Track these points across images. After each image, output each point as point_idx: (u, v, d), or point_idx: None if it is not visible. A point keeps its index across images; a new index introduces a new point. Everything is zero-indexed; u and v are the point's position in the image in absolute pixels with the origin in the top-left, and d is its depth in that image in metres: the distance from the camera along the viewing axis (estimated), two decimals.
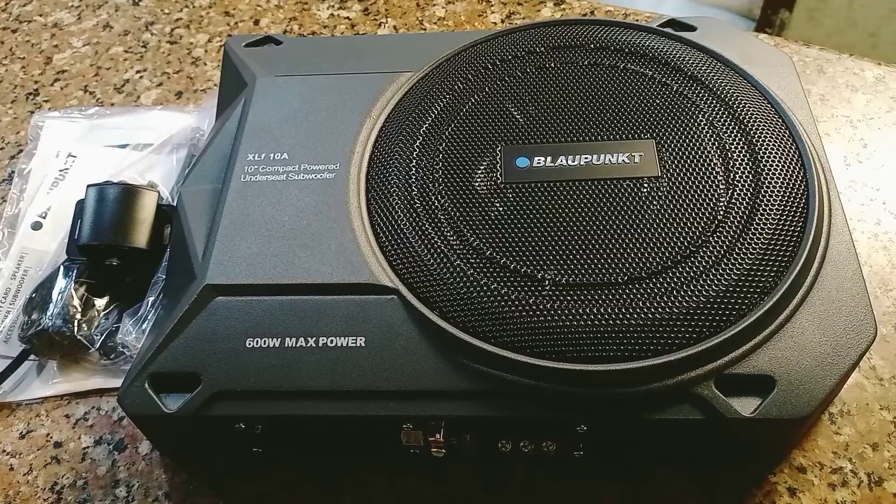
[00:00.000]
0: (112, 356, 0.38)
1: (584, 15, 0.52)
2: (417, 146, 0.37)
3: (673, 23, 0.43)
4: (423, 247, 0.33)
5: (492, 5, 0.53)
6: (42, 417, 0.37)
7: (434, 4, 0.53)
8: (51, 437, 0.36)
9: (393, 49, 0.43)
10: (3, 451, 0.36)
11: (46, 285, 0.39)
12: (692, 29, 0.42)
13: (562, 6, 0.52)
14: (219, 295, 0.33)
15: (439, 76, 0.40)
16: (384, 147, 0.37)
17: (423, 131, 0.37)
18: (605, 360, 0.30)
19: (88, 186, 0.40)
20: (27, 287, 0.41)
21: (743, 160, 0.35)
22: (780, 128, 0.36)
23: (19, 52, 0.55)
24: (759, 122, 0.36)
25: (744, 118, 0.36)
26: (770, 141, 0.35)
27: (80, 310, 0.38)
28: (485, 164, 0.36)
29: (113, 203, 0.39)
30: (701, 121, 0.36)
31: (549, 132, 0.37)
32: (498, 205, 0.34)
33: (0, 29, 0.56)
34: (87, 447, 0.36)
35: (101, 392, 0.38)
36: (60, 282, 0.39)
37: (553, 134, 0.37)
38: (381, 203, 0.35)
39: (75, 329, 0.37)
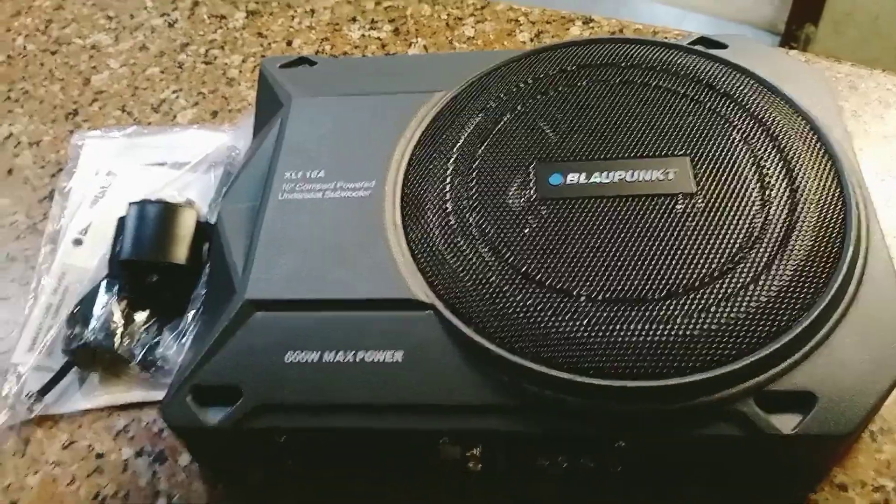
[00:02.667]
0: (152, 370, 0.39)
1: (613, 33, 0.52)
2: (451, 163, 0.37)
3: (703, 40, 0.43)
4: (458, 263, 0.34)
5: (520, 25, 0.54)
6: (84, 429, 0.38)
7: (463, 24, 0.54)
8: (93, 449, 0.37)
9: (425, 69, 0.44)
10: (48, 461, 0.37)
11: (88, 300, 0.40)
12: (723, 46, 0.42)
13: (590, 25, 0.53)
14: (258, 310, 0.34)
15: (471, 95, 0.40)
16: (418, 165, 0.38)
17: (457, 149, 0.38)
18: (645, 377, 0.30)
19: (129, 204, 0.41)
20: (69, 302, 0.42)
21: (779, 177, 0.35)
22: (816, 144, 0.36)
23: (58, 74, 0.56)
24: (795, 138, 0.36)
25: (779, 135, 0.36)
26: (806, 157, 0.35)
27: (121, 324, 0.39)
28: (518, 180, 0.36)
29: (153, 220, 0.40)
30: (735, 138, 0.36)
31: (582, 149, 0.37)
32: (532, 221, 0.35)
33: (40, 51, 0.58)
34: (128, 458, 0.37)
35: (141, 405, 0.38)
36: (102, 297, 0.39)
37: (586, 151, 0.37)
38: (417, 220, 0.36)
39: (116, 343, 0.38)
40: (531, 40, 0.53)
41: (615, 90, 0.39)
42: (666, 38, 0.52)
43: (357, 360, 0.32)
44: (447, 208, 0.36)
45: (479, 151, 0.38)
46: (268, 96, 0.44)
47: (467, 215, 0.35)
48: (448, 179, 0.37)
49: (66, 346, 0.39)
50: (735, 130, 0.37)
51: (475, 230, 0.35)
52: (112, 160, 0.48)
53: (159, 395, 0.38)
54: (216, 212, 0.44)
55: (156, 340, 0.39)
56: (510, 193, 0.36)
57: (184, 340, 0.38)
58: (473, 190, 0.36)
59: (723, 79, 0.39)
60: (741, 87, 0.39)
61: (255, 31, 0.56)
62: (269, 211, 0.37)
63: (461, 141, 0.38)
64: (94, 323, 0.39)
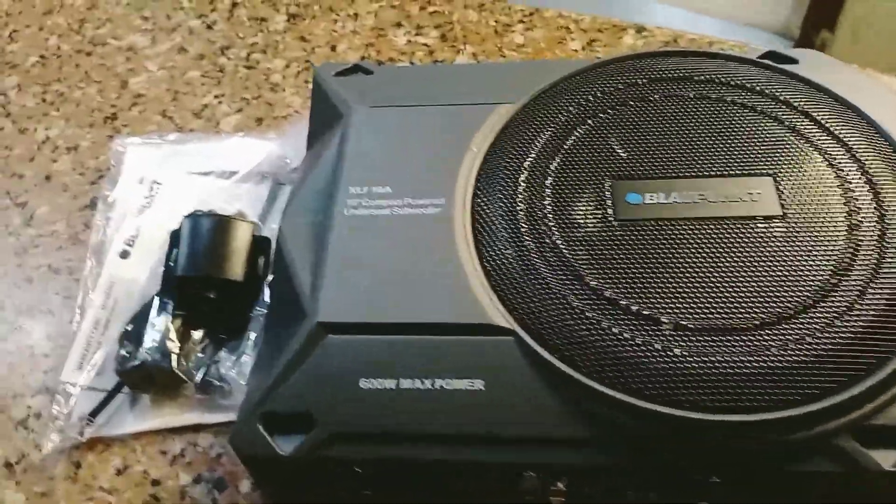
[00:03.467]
0: (210, 391, 0.37)
1: (667, 43, 0.51)
2: (523, 181, 0.36)
3: (772, 55, 0.42)
4: (537, 287, 0.32)
5: (571, 32, 0.52)
6: (138, 453, 0.37)
7: (512, 31, 0.53)
8: (148, 474, 0.36)
9: (486, 79, 0.42)
10: (101, 487, 0.36)
11: (141, 317, 0.38)
12: (794, 61, 0.41)
13: (643, 34, 0.52)
14: (330, 333, 0.32)
15: (539, 108, 0.39)
16: (488, 182, 0.37)
17: (528, 165, 0.37)
18: (740, 410, 0.29)
19: (184, 217, 0.39)
20: (117, 317, 0.40)
21: (866, 197, 0.34)
22: None
23: (95, 76, 0.55)
24: (878, 157, 0.35)
25: (861, 154, 0.35)
26: (891, 177, 0.34)
27: (177, 343, 0.37)
28: (594, 199, 0.35)
29: (209, 234, 0.39)
30: (817, 157, 0.35)
31: (657, 167, 0.36)
32: (612, 243, 0.33)
33: (74, 51, 0.57)
34: (186, 485, 0.35)
35: (196, 427, 0.37)
36: (156, 314, 0.38)
37: (662, 169, 0.36)
38: (490, 240, 0.34)
39: (174, 363, 0.37)
40: (583, 48, 0.51)
41: (689, 105, 0.38)
42: (721, 49, 0.51)
43: (436, 387, 0.31)
44: (522, 229, 0.34)
45: (552, 168, 0.36)
46: (324, 105, 0.42)
47: (544, 236, 0.34)
48: (521, 198, 0.35)
49: (120, 365, 0.37)
50: (816, 149, 0.36)
51: (553, 252, 0.33)
52: (156, 168, 0.46)
53: (216, 417, 0.37)
54: (270, 225, 0.43)
55: (212, 360, 0.37)
56: (587, 213, 0.35)
57: (243, 361, 0.37)
58: (548, 209, 0.35)
59: (799, 96, 0.38)
60: (819, 105, 0.38)
61: (298, 35, 0.55)
62: (335, 228, 0.36)
63: (532, 157, 0.37)
64: (148, 342, 0.37)
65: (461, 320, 0.32)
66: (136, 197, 0.45)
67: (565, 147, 0.37)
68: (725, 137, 0.37)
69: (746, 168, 0.35)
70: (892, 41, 1.40)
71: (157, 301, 0.39)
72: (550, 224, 0.34)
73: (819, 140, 0.36)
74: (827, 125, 0.37)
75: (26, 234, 0.46)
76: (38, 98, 0.54)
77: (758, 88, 0.38)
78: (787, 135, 0.36)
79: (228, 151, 0.47)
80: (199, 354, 0.38)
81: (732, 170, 0.35)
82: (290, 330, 0.33)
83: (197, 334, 0.38)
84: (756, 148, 0.36)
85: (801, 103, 0.38)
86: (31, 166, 0.49)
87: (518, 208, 0.35)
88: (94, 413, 0.37)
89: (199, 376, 0.37)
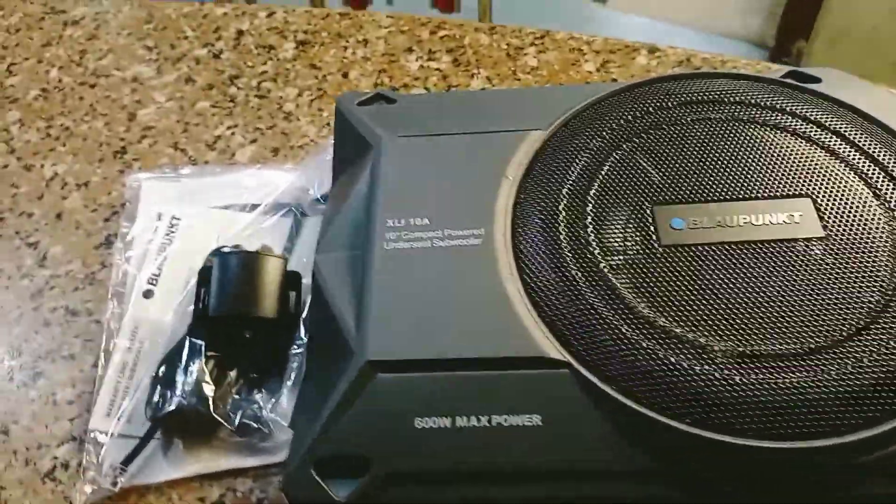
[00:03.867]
0: (247, 434, 0.36)
1: (680, 63, 0.51)
2: (562, 209, 0.36)
3: (795, 74, 0.42)
4: (589, 318, 0.32)
5: (584, 54, 0.52)
6: (175, 501, 0.35)
7: (525, 54, 0.53)
8: None
9: (512, 105, 0.42)
10: None
11: (173, 359, 0.37)
12: (817, 80, 0.41)
13: (657, 54, 0.52)
14: (380, 372, 0.32)
15: (571, 134, 0.39)
16: (527, 211, 0.36)
17: (566, 193, 0.36)
18: (802, 437, 0.28)
19: (212, 255, 0.38)
20: (144, 360, 0.39)
21: None
22: None
23: (100, 108, 0.53)
24: None
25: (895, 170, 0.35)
26: None
27: (213, 386, 0.36)
28: (637, 226, 0.35)
29: (239, 272, 0.38)
30: (853, 176, 0.35)
31: (697, 191, 0.36)
32: (660, 269, 0.33)
33: (77, 84, 0.55)
34: None
35: (234, 472, 0.36)
36: (189, 355, 0.37)
37: (702, 193, 0.36)
38: (535, 271, 0.34)
39: (211, 407, 0.36)
40: (597, 70, 0.51)
41: (721, 128, 0.38)
42: (734, 68, 0.51)
43: (493, 424, 0.30)
44: (567, 258, 0.34)
45: (591, 195, 0.36)
46: (349, 136, 0.42)
47: (591, 265, 0.33)
48: (562, 227, 0.35)
49: (154, 411, 0.36)
50: (851, 169, 0.36)
51: (602, 281, 0.33)
52: (174, 203, 0.45)
53: (255, 461, 0.36)
54: (297, 258, 0.42)
55: (250, 402, 0.36)
56: (632, 240, 0.34)
57: (281, 401, 0.36)
58: (591, 237, 0.35)
59: (829, 115, 0.38)
60: (849, 123, 0.38)
61: (308, 63, 0.54)
62: (376, 262, 0.35)
63: (569, 184, 0.37)
64: (182, 385, 0.36)
65: (514, 354, 0.32)
66: (156, 234, 0.44)
67: (602, 173, 0.37)
68: (761, 159, 0.37)
69: (785, 190, 0.35)
70: (870, 50, 1.43)
71: (189, 342, 0.37)
72: (595, 252, 0.34)
73: (853, 158, 0.36)
74: (859, 143, 0.37)
75: (40, 276, 0.44)
76: (42, 133, 0.52)
77: (788, 109, 0.38)
78: (821, 155, 0.37)
79: (247, 183, 0.46)
80: (235, 396, 0.37)
81: (771, 192, 0.35)
82: (337, 369, 0.33)
83: (232, 374, 0.37)
84: (792, 169, 0.36)
85: (832, 122, 0.38)
86: (41, 204, 0.48)
87: (561, 237, 0.35)
88: (127, 461, 0.36)
89: (237, 419, 0.36)
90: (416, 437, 0.30)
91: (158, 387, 0.37)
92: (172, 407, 0.36)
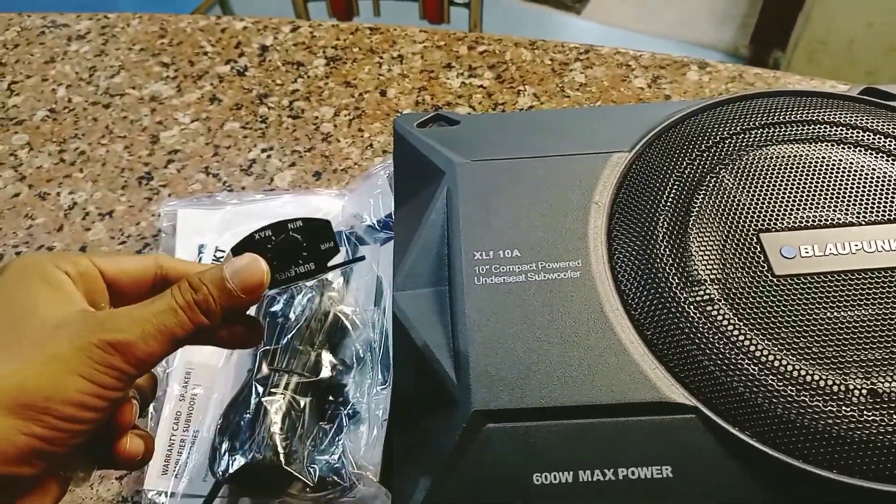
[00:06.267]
0: (324, 488, 0.33)
1: (733, 78, 0.50)
2: (662, 239, 0.33)
3: (871, 91, 0.41)
4: (711, 357, 0.30)
5: (633, 70, 0.50)
6: None
7: (571, 70, 0.51)
8: None
9: (587, 125, 0.40)
10: None
11: (237, 407, 0.34)
12: (894, 97, 0.40)
13: (707, 69, 0.50)
14: (490, 422, 0.29)
15: (657, 158, 0.37)
16: (625, 241, 0.34)
17: (664, 221, 0.34)
18: None
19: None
20: (199, 409, 0.36)
21: None
22: None
23: (118, 130, 0.49)
24: None
25: None
26: None
27: (285, 435, 0.33)
28: (746, 255, 0.33)
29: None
30: None
31: (800, 217, 0.34)
32: (780, 302, 0.31)
33: (90, 104, 0.51)
34: None
35: None
36: (254, 401, 0.34)
37: (806, 219, 0.34)
38: (644, 306, 0.32)
39: (284, 460, 0.32)
40: (648, 85, 0.50)
41: (813, 149, 0.36)
42: (786, 83, 0.50)
43: (619, 478, 0.28)
44: (675, 293, 0.32)
45: (691, 223, 0.34)
46: (412, 160, 0.39)
47: (705, 301, 0.31)
48: (665, 258, 0.33)
49: (219, 466, 0.33)
50: None
51: (717, 316, 0.31)
52: (216, 234, 0.42)
53: None
54: (352, 285, 0.39)
55: (330, 454, 0.33)
56: (742, 270, 0.32)
57: (363, 451, 0.33)
58: (699, 269, 0.32)
59: None
60: None
61: (342, 80, 0.51)
62: (467, 299, 0.32)
63: (666, 212, 0.34)
64: (250, 436, 0.33)
65: (636, 399, 0.29)
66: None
67: (699, 200, 0.35)
68: (862, 182, 0.35)
69: (891, 215, 0.34)
70: (848, 61, 1.46)
71: (254, 386, 0.34)
72: (706, 285, 0.32)
73: None
74: None
75: None
76: (55, 158, 0.48)
77: (881, 129, 0.37)
78: None
79: (292, 210, 0.43)
80: (310, 447, 0.33)
81: (879, 216, 0.34)
82: (437, 419, 0.30)
83: (305, 421, 0.34)
84: (891, 192, 0.34)
85: None
86: (62, 237, 0.44)
87: (665, 270, 0.32)
88: None
89: (315, 473, 0.32)
90: (535, 494, 0.28)
91: (222, 438, 0.33)
92: (241, 461, 0.32)
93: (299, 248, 0.30)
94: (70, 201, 0.46)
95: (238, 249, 0.29)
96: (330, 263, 0.31)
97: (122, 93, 0.52)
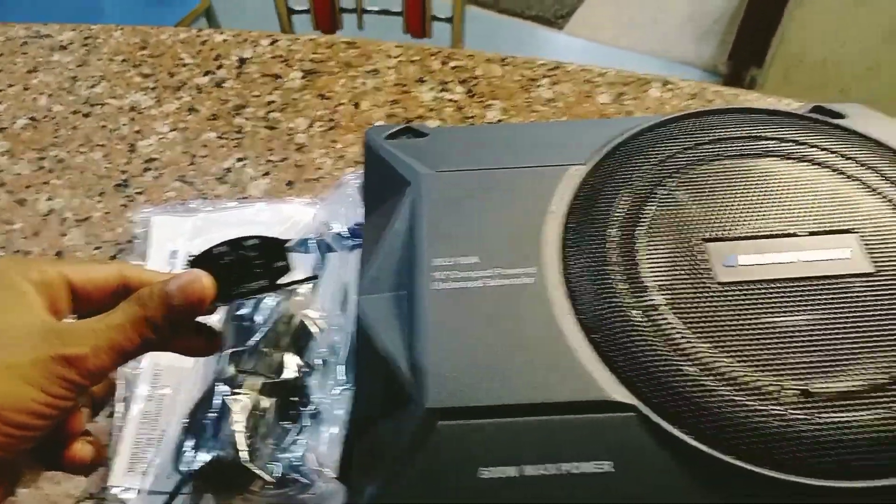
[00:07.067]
0: (285, 485, 0.34)
1: (693, 95, 0.52)
2: (613, 247, 0.35)
3: (819, 109, 0.43)
4: (653, 358, 0.31)
5: (598, 86, 0.52)
6: None
7: (539, 86, 0.53)
8: None
9: (548, 139, 0.41)
10: None
11: (202, 407, 0.35)
12: (841, 116, 0.42)
13: (669, 86, 0.52)
14: (442, 419, 0.30)
15: (612, 171, 0.38)
16: (577, 250, 0.35)
17: (615, 231, 0.36)
18: (881, 475, 0.28)
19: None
20: (167, 409, 0.37)
21: None
22: None
23: (97, 139, 0.51)
24: None
25: None
26: None
27: (247, 433, 0.34)
28: (692, 263, 0.34)
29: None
30: (893, 211, 0.36)
31: (743, 228, 0.36)
32: (721, 307, 0.33)
33: (70, 113, 0.53)
34: None
35: None
36: (219, 401, 0.35)
37: (748, 230, 0.36)
38: (593, 310, 0.33)
39: (246, 457, 0.34)
40: (612, 101, 0.52)
41: (758, 164, 0.38)
42: (745, 101, 0.52)
43: (562, 472, 0.29)
44: (623, 298, 0.33)
45: (640, 232, 0.36)
46: (381, 170, 0.40)
47: (650, 305, 0.33)
48: (615, 265, 0.34)
49: (184, 464, 0.34)
50: (890, 203, 0.36)
51: (662, 320, 0.32)
52: (188, 240, 0.43)
53: None
54: (322, 293, 0.40)
55: (291, 451, 0.34)
56: (687, 277, 0.34)
57: (321, 449, 0.34)
58: (646, 276, 0.34)
59: (863, 151, 0.39)
60: (882, 159, 0.38)
61: (316, 93, 0.53)
62: (427, 303, 0.34)
63: (617, 221, 0.36)
64: (214, 434, 0.34)
65: (580, 398, 0.31)
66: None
67: (648, 210, 0.36)
68: (802, 195, 0.37)
69: (830, 226, 0.36)
70: (822, 79, 1.49)
71: (216, 387, 0.35)
72: (652, 291, 0.33)
73: (891, 193, 0.37)
74: (893, 179, 0.37)
75: None
76: (34, 164, 0.49)
77: (823, 145, 0.39)
78: (861, 190, 0.37)
79: (264, 218, 0.44)
80: (272, 445, 0.34)
81: (817, 228, 0.35)
82: (392, 417, 0.31)
83: (268, 420, 0.35)
84: (834, 205, 0.36)
85: (866, 158, 0.38)
86: (38, 241, 0.45)
87: (615, 276, 0.34)
88: None
89: (276, 471, 0.34)
90: (483, 488, 0.29)
91: (187, 437, 0.34)
92: (207, 458, 0.33)
93: (253, 265, 0.31)
94: (48, 207, 0.47)
95: (195, 263, 0.30)
96: (284, 281, 0.32)
97: (103, 102, 0.53)
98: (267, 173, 0.48)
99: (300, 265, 0.42)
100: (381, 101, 0.52)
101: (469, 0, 1.95)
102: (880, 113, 0.44)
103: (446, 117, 0.51)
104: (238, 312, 0.37)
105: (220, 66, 0.55)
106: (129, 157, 0.49)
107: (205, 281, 0.29)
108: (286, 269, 0.32)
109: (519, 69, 0.54)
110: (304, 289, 0.41)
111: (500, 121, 0.50)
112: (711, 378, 0.30)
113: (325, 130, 0.50)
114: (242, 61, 0.55)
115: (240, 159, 0.49)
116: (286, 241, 0.33)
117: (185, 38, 0.57)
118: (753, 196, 0.37)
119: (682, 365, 0.31)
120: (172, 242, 0.42)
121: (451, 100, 0.52)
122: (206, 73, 0.54)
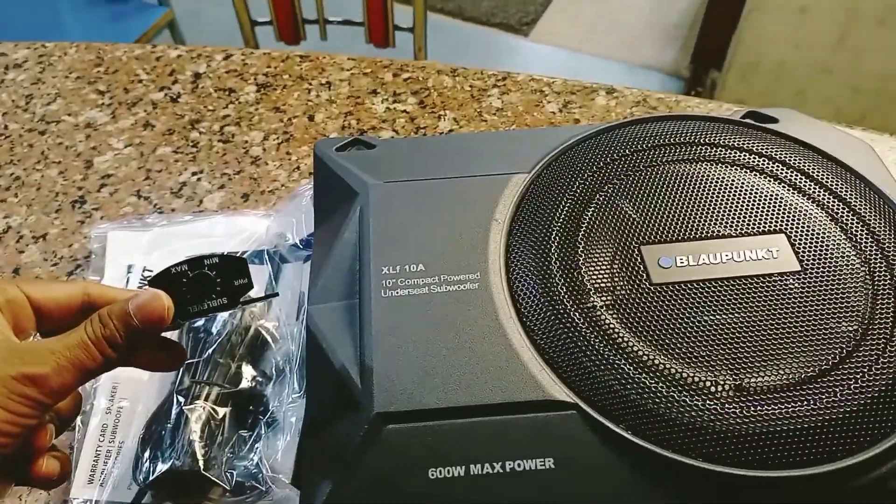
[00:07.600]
0: (241, 493, 0.35)
1: (638, 102, 0.54)
2: (554, 252, 0.37)
3: (753, 114, 0.45)
4: (591, 358, 0.33)
5: (546, 95, 0.54)
6: None
7: (488, 96, 0.54)
8: None
9: (493, 149, 0.43)
10: None
11: (160, 418, 0.36)
12: (774, 120, 0.44)
13: (614, 94, 0.54)
14: (390, 423, 0.31)
15: (554, 177, 0.40)
16: (520, 255, 0.37)
17: (555, 236, 0.37)
18: (806, 464, 0.30)
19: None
20: (125, 422, 0.37)
21: (872, 247, 0.36)
22: (891, 211, 0.38)
23: (53, 156, 0.51)
24: (872, 208, 0.38)
25: (858, 206, 0.38)
26: (888, 227, 0.37)
27: (204, 442, 0.35)
28: (628, 265, 0.36)
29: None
30: (819, 212, 0.38)
31: (678, 230, 0.37)
32: (655, 307, 0.34)
33: (26, 131, 0.53)
34: None
35: None
36: (176, 413, 0.35)
37: (683, 232, 0.37)
38: (535, 315, 0.35)
39: (203, 466, 0.34)
40: (560, 110, 0.53)
41: (694, 168, 0.40)
42: (687, 107, 0.54)
43: (507, 470, 0.30)
44: (563, 301, 0.35)
45: (579, 237, 0.37)
46: (331, 182, 0.41)
47: (588, 307, 0.34)
48: (555, 269, 0.36)
49: (143, 474, 0.34)
50: (817, 205, 0.38)
51: (600, 321, 0.34)
52: (144, 255, 0.44)
53: None
54: (276, 305, 0.41)
55: (248, 460, 0.35)
56: (623, 279, 0.35)
57: (277, 457, 0.35)
58: (585, 278, 0.35)
59: (792, 154, 0.41)
60: (810, 162, 0.40)
61: (271, 106, 0.54)
62: (374, 311, 0.35)
63: (558, 227, 0.37)
64: (172, 445, 0.35)
65: (522, 398, 0.32)
66: (127, 286, 0.42)
67: (588, 216, 0.38)
68: (734, 198, 0.39)
69: (760, 227, 0.37)
70: (774, 81, 1.53)
71: (175, 399, 0.36)
72: (590, 293, 0.35)
73: (817, 195, 0.39)
74: (821, 180, 0.39)
75: None
76: None
77: (755, 149, 0.41)
78: (789, 192, 0.39)
79: (219, 231, 0.45)
80: (229, 454, 0.35)
81: (748, 229, 0.37)
82: (343, 422, 0.32)
83: (224, 429, 0.36)
84: (764, 206, 0.38)
85: (796, 161, 0.40)
86: None
87: (555, 280, 0.35)
88: None
89: (232, 478, 0.34)
90: (431, 487, 0.30)
91: (146, 448, 0.35)
92: (165, 467, 0.34)
93: (213, 284, 0.32)
94: (5, 225, 0.47)
95: (155, 282, 0.31)
96: (244, 298, 0.33)
97: (58, 119, 0.53)
98: (222, 186, 0.48)
99: (259, 280, 0.43)
100: (335, 114, 0.53)
101: (434, 9, 1.96)
102: (811, 117, 0.46)
103: (399, 128, 0.52)
104: (194, 325, 0.38)
105: (175, 82, 0.55)
106: (85, 173, 0.50)
107: (164, 300, 0.30)
108: (247, 287, 0.33)
109: (469, 80, 0.55)
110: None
111: (451, 131, 0.52)
112: (647, 375, 0.32)
113: (279, 143, 0.51)
114: (197, 76, 0.56)
115: (195, 173, 0.49)
116: (245, 259, 0.34)
117: (139, 55, 0.57)
118: (688, 200, 0.38)
119: (620, 364, 0.32)
120: (128, 257, 0.43)
121: (403, 111, 0.53)
122: (162, 89, 0.55)
